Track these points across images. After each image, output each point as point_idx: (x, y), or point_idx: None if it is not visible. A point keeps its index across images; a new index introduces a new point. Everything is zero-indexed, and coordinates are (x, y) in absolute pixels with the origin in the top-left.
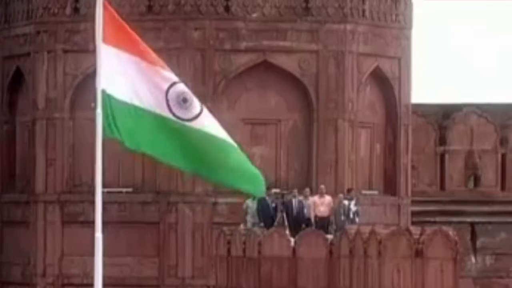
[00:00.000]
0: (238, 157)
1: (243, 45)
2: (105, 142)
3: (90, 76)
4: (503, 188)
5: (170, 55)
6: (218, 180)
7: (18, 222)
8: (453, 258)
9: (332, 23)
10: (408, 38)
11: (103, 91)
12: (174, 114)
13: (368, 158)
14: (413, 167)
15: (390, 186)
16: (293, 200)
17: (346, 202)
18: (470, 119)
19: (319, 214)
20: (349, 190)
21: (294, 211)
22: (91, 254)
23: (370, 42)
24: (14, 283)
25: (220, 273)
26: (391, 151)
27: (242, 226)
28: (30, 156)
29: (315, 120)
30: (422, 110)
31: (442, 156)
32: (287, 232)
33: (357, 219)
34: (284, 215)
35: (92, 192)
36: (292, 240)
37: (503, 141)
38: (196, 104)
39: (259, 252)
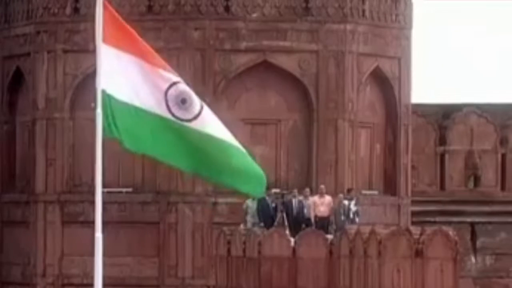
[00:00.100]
0: (238, 157)
1: (243, 45)
2: (105, 142)
3: (90, 76)
4: (503, 188)
5: (170, 55)
6: (217, 180)
7: (18, 222)
8: (453, 258)
9: (332, 23)
10: (408, 38)
11: (103, 91)
12: (173, 115)
13: (368, 158)
14: (413, 167)
15: (390, 186)
16: (293, 200)
17: (346, 202)
18: (470, 119)
19: (319, 214)
20: (349, 190)
21: (294, 211)
22: (91, 254)
23: (370, 42)
24: (14, 283)
25: (220, 273)
26: (391, 151)
27: (242, 226)
28: (30, 156)
29: (315, 120)
30: (422, 110)
31: (442, 156)
32: (287, 232)
33: (357, 219)
34: (284, 215)
35: (92, 192)
36: (292, 240)
37: (503, 141)
38: (195, 105)
39: (259, 252)
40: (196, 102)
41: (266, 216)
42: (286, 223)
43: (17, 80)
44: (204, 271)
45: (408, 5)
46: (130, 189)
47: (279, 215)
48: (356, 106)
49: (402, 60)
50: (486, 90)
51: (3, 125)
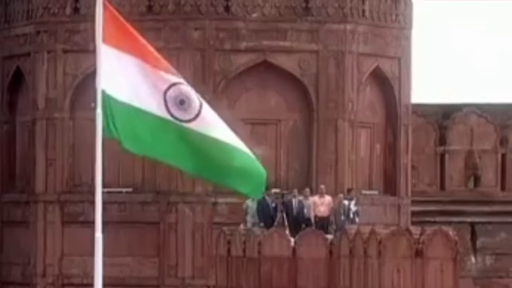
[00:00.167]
0: (237, 158)
1: (243, 45)
2: (105, 142)
3: (90, 76)
4: (503, 188)
5: (170, 55)
6: (216, 180)
7: (18, 222)
8: (453, 258)
9: (332, 23)
10: (408, 38)
11: (103, 92)
12: (172, 115)
13: (368, 158)
14: (413, 167)
15: (390, 186)
16: (293, 200)
17: (346, 202)
18: (470, 119)
19: (319, 214)
20: (349, 190)
21: (294, 211)
22: (91, 254)
23: (370, 42)
24: (14, 283)
25: (220, 273)
26: (391, 151)
27: (242, 226)
28: (30, 156)
29: (315, 120)
30: (422, 110)
31: (442, 156)
32: (287, 232)
33: (357, 219)
34: (284, 215)
35: (92, 192)
36: (292, 240)
37: (503, 141)
38: (194, 106)
39: (259, 252)
40: (195, 103)
41: (266, 216)
42: (286, 223)
43: (17, 80)
44: (204, 271)
45: (408, 5)
46: (130, 189)
47: (279, 215)
48: (356, 106)
49: (402, 60)
50: (486, 90)
51: (3, 125)
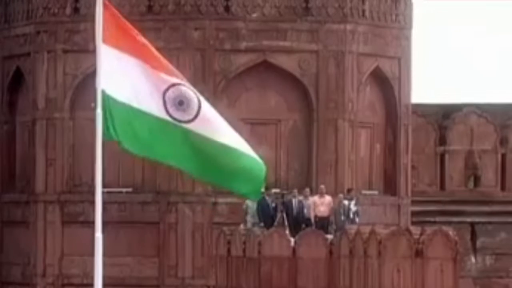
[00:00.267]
0: (235, 159)
1: (243, 45)
2: (105, 142)
3: (90, 76)
4: (503, 188)
5: (170, 55)
6: (214, 181)
7: (18, 222)
8: (453, 258)
9: (332, 23)
10: (408, 38)
11: (103, 92)
12: (171, 116)
13: (368, 158)
14: (413, 167)
15: (390, 186)
16: (293, 200)
17: (346, 202)
18: (470, 119)
19: (319, 214)
20: (349, 190)
21: (294, 211)
22: (91, 254)
23: (370, 42)
24: (14, 283)
25: (220, 273)
26: (391, 151)
27: (242, 226)
28: (30, 156)
29: (315, 120)
30: (422, 110)
31: (442, 156)
32: (287, 232)
33: (357, 219)
34: (284, 215)
35: (92, 192)
36: (292, 240)
37: (503, 141)
38: (193, 107)
39: (259, 252)
40: (195, 104)
41: (266, 216)
42: (286, 223)
43: (17, 80)
44: (204, 271)
45: (408, 5)
46: (130, 189)
47: (279, 215)
48: (356, 106)
49: (402, 60)
50: (486, 90)
51: (3, 125)
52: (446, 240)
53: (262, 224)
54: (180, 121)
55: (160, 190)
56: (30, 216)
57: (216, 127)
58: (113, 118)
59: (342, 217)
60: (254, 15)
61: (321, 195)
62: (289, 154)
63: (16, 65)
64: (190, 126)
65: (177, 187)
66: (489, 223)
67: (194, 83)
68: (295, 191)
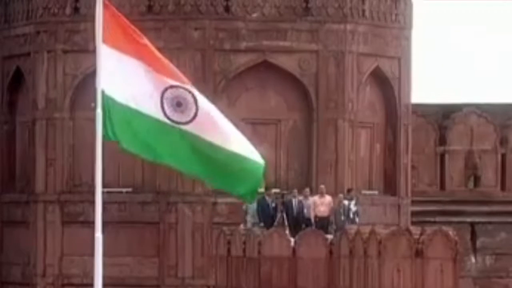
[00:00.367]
0: (231, 162)
1: (243, 45)
2: (105, 142)
3: (90, 76)
4: (503, 188)
5: (170, 55)
6: (211, 182)
7: (18, 222)
8: (453, 258)
9: (332, 23)
10: (408, 38)
11: (102, 92)
12: (168, 117)
13: (368, 158)
14: (413, 167)
15: (390, 186)
16: (293, 200)
17: (346, 202)
18: (470, 119)
19: (319, 214)
20: (349, 190)
21: (294, 211)
22: (91, 254)
23: (370, 42)
24: (14, 283)
25: (220, 273)
26: (391, 151)
27: (242, 226)
28: (30, 156)
29: (315, 120)
30: (422, 110)
31: (442, 156)
32: (287, 232)
33: (357, 219)
34: (284, 215)
35: (92, 192)
36: (292, 240)
37: (503, 141)
38: (191, 108)
39: (259, 252)
40: (193, 105)
41: (266, 216)
42: (286, 223)
43: (17, 80)
44: (204, 271)
45: (408, 5)
46: (130, 189)
47: (279, 215)
48: (356, 106)
49: (402, 60)
50: (486, 90)
51: (3, 125)
52: (446, 240)
53: (262, 224)
54: (177, 122)
55: (160, 190)
56: (30, 216)
57: (214, 129)
58: (112, 119)
59: (342, 217)
60: (254, 15)
61: (321, 195)
62: (289, 154)
63: (16, 65)
64: (187, 127)
65: (177, 187)
66: (489, 223)
67: (194, 83)
68: (295, 191)
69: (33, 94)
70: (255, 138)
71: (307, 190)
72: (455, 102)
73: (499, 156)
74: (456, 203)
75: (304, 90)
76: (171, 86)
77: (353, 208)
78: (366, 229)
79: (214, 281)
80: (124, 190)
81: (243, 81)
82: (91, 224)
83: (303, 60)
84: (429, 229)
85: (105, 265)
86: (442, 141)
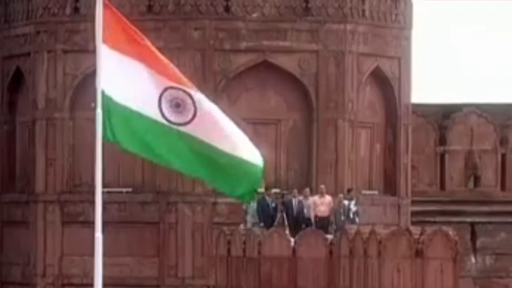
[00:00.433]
0: (229, 163)
1: (243, 45)
2: (105, 142)
3: (90, 76)
4: (503, 188)
5: (170, 55)
6: (209, 183)
7: (18, 222)
8: (453, 258)
9: (332, 23)
10: (408, 38)
11: (102, 92)
12: (166, 118)
13: (368, 158)
14: (413, 167)
15: (390, 186)
16: (293, 200)
17: (346, 202)
18: (470, 119)
19: (319, 214)
20: (349, 190)
21: (294, 211)
22: (91, 254)
23: (370, 42)
24: (14, 283)
25: (220, 273)
26: (391, 151)
27: (242, 226)
28: (30, 156)
29: (315, 120)
30: (422, 110)
31: (442, 156)
32: (287, 232)
33: (357, 219)
34: (284, 215)
35: (92, 192)
36: (292, 240)
37: (503, 141)
38: (190, 109)
39: (259, 252)
40: (191, 106)
41: (266, 216)
42: (286, 223)
43: (17, 80)
44: (204, 271)
45: (408, 5)
46: (130, 189)
47: (279, 215)
48: (356, 106)
49: (402, 60)
50: (486, 90)
51: (3, 125)
52: (446, 240)
53: (262, 224)
54: (175, 123)
55: (160, 190)
56: (30, 216)
57: (214, 130)
58: (111, 119)
59: (342, 217)
60: (254, 15)
61: (321, 195)
62: (289, 154)
63: (16, 65)
64: (185, 128)
65: (177, 187)
66: (489, 223)
67: (194, 83)
68: (295, 191)
69: (33, 94)
70: (255, 138)
71: (307, 190)
72: (455, 102)
73: (499, 156)
74: (456, 203)
75: (304, 90)
76: (170, 87)
77: (353, 208)
78: (366, 229)
79: (214, 281)
80: (124, 190)
81: (243, 81)
82: (91, 224)
83: (303, 60)
84: (429, 229)
85: (105, 265)
86: (442, 141)
